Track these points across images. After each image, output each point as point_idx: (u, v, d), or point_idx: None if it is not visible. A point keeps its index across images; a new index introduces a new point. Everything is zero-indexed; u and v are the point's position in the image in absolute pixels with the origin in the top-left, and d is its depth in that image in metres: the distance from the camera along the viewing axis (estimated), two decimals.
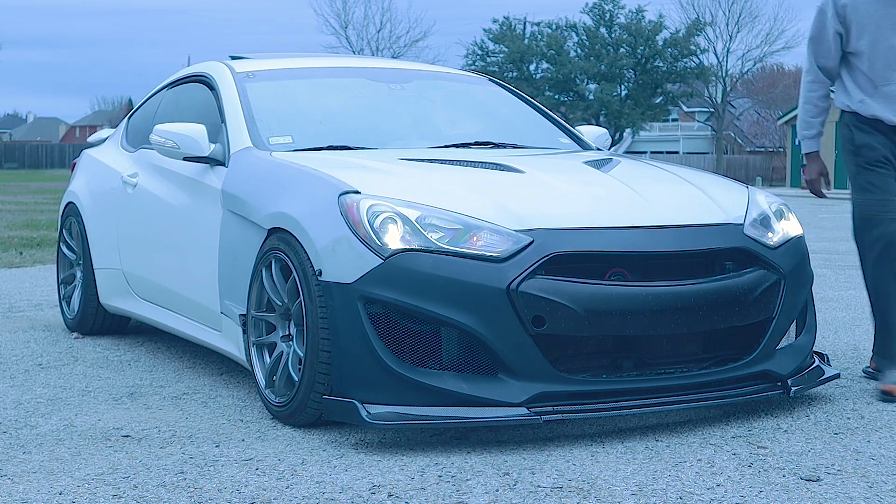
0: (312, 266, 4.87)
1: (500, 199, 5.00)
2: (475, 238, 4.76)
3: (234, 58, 7.19)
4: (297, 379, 4.97)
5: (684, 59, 63.80)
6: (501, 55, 65.54)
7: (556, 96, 64.10)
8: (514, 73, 64.35)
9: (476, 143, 6.44)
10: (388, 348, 4.68)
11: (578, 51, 64.82)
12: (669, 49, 63.29)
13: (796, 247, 5.44)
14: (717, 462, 4.49)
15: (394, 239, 4.74)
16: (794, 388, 5.23)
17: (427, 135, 6.52)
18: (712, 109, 70.10)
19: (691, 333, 5.04)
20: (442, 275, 4.66)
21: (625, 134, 67.07)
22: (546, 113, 7.20)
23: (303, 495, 4.07)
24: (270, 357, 5.25)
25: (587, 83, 64.23)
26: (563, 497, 4.04)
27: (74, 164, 8.37)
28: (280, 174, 5.53)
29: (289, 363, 5.09)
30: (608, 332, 4.81)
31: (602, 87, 62.64)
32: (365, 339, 4.69)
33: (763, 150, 77.13)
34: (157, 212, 6.65)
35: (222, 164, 5.99)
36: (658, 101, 65.64)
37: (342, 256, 4.78)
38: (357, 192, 4.96)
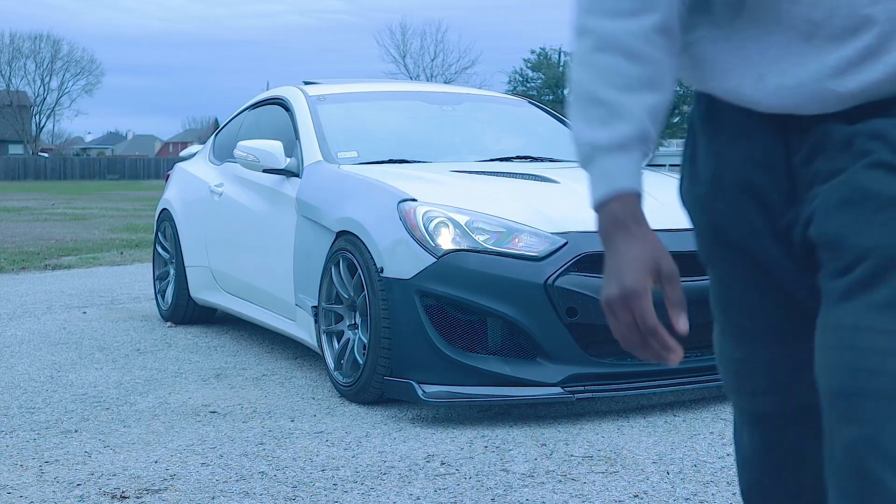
0: (375, 264, 4.89)
1: (538, 206, 5.00)
2: (516, 240, 4.76)
3: (306, 83, 7.22)
4: (361, 362, 4.99)
5: None
6: (539, 81, 65.40)
7: None
8: (551, 97, 64.15)
9: (517, 157, 6.43)
10: (440, 336, 4.69)
11: None
12: None
13: None
14: (727, 435, 4.47)
15: (446, 240, 4.75)
16: None
17: (475, 150, 6.53)
18: None
19: (704, 322, 4.98)
20: (488, 272, 4.66)
21: None
22: None
23: (367, 463, 4.09)
24: (338, 343, 5.27)
25: None
26: (594, 465, 4.04)
27: (168, 175, 8.42)
28: (347, 184, 5.55)
29: (354, 348, 5.10)
30: None
31: None
32: (421, 328, 4.70)
33: None
34: (239, 217, 6.69)
35: (297, 175, 6.02)
36: (675, 120, 65.29)
37: (401, 256, 4.80)
38: (414, 200, 4.97)
